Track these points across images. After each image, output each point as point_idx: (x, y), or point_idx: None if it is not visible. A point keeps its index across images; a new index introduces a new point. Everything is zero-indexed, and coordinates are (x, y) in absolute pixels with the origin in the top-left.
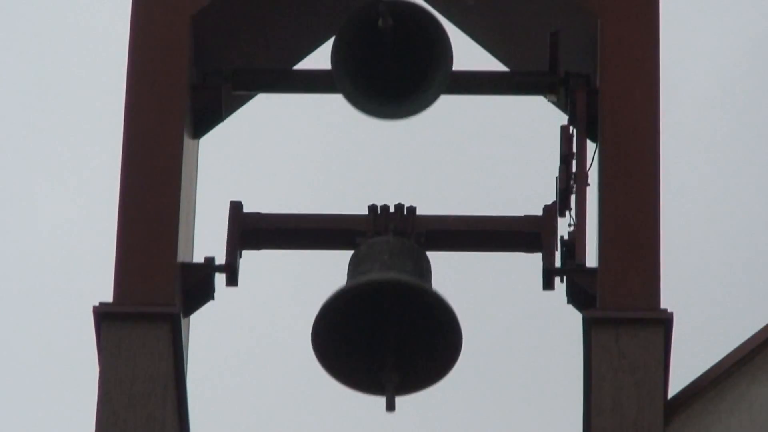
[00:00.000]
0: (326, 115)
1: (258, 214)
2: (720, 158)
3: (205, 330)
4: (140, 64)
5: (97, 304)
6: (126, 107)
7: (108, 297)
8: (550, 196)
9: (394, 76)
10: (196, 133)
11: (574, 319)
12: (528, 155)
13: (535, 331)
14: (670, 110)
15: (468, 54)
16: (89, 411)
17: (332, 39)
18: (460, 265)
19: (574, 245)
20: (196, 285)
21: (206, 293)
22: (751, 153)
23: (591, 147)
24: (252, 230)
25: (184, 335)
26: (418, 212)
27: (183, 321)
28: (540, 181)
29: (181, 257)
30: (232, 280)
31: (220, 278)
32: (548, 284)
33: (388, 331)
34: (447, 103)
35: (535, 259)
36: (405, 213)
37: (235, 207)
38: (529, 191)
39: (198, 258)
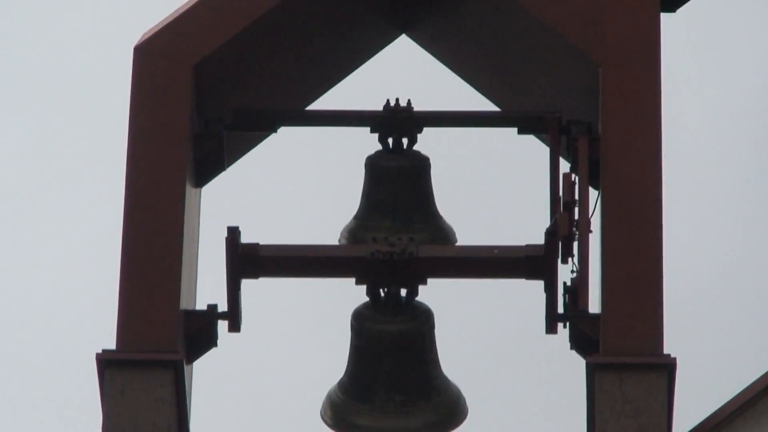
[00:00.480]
0: (327, 159)
1: (256, 244)
2: (722, 205)
3: (208, 377)
4: (141, 115)
5: (100, 351)
6: (128, 157)
7: (111, 344)
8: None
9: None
10: (198, 181)
11: (577, 364)
12: (520, 191)
13: (538, 377)
14: (672, 157)
15: (465, 98)
16: None
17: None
18: (463, 309)
19: (577, 291)
20: (199, 332)
21: (209, 340)
22: (754, 200)
23: (593, 194)
24: (250, 257)
25: (187, 382)
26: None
27: (186, 368)
28: (534, 217)
29: (184, 305)
30: (234, 326)
31: (222, 325)
32: (551, 328)
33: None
34: (440, 137)
35: (538, 305)
36: (408, 253)
37: (233, 232)
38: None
39: (201, 305)
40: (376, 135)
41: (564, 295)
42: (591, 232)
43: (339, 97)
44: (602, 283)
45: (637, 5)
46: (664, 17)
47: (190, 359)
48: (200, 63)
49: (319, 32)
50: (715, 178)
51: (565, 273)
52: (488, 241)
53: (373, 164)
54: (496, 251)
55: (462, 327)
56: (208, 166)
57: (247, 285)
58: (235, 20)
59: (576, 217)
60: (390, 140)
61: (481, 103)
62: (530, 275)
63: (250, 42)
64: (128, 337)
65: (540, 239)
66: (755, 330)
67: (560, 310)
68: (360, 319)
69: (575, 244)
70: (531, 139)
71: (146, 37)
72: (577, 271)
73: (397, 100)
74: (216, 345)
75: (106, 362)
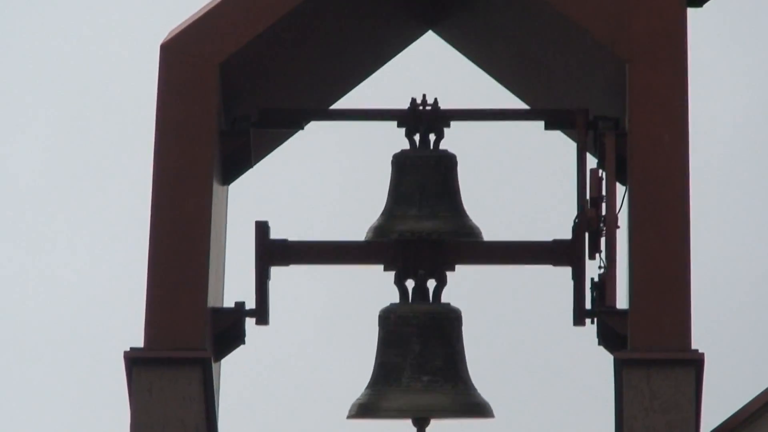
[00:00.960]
0: (353, 158)
1: (285, 240)
2: (750, 200)
3: (236, 374)
4: (168, 113)
5: (128, 349)
6: (155, 154)
7: (139, 342)
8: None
9: None
10: (226, 179)
11: (605, 360)
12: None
13: (566, 373)
14: (699, 152)
15: (491, 94)
16: None
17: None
18: (492, 305)
19: (604, 287)
20: (227, 329)
21: (237, 337)
22: None
23: (620, 189)
24: (279, 245)
25: (215, 379)
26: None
27: (214, 365)
28: (558, 211)
29: (212, 302)
30: (263, 319)
31: (250, 322)
32: (579, 320)
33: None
34: (467, 134)
35: (567, 300)
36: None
37: (261, 225)
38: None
39: (228, 302)
40: (403, 131)
41: (592, 290)
42: (618, 227)
43: (365, 95)
44: (630, 278)
45: (664, 1)
46: (691, 12)
47: (218, 357)
48: (226, 61)
49: (345, 29)
50: (742, 173)
51: (592, 269)
52: (514, 237)
53: (399, 159)
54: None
55: (488, 323)
56: (235, 164)
57: (275, 281)
58: (260, 18)
59: (603, 212)
60: (417, 137)
61: (508, 99)
62: (557, 262)
63: (276, 40)
64: (156, 335)
65: (567, 235)
66: None
67: (588, 306)
68: (387, 311)
69: (602, 240)
70: (558, 135)
71: (172, 35)
72: (604, 267)
73: (423, 97)
74: (244, 342)
75: (133, 360)
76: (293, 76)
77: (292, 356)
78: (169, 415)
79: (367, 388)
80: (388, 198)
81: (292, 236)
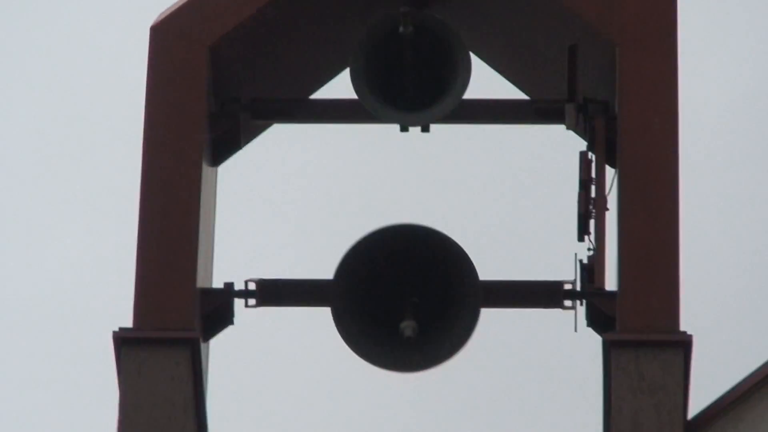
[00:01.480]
0: (343, 142)
1: None
2: (740, 182)
3: (224, 354)
4: (159, 94)
5: (117, 329)
6: (145, 136)
7: (128, 322)
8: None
9: (412, 83)
10: (215, 160)
11: (594, 342)
12: (547, 183)
13: (554, 354)
14: (689, 135)
15: (486, 83)
16: None
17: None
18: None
19: (593, 269)
20: (216, 310)
21: (226, 318)
22: None
23: (610, 172)
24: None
25: (203, 360)
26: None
27: (203, 345)
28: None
29: (201, 283)
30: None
31: (239, 303)
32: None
33: (407, 290)
34: (464, 132)
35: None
36: None
37: None
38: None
39: (217, 283)
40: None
41: (581, 272)
42: (608, 210)
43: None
44: (619, 260)
45: None
46: None
47: (207, 337)
48: (216, 43)
49: (336, 14)
50: (732, 156)
51: (582, 251)
52: (509, 224)
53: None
54: None
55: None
56: (225, 146)
57: (265, 263)
58: (250, 1)
59: (593, 195)
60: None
61: (498, 83)
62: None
63: (266, 23)
64: (145, 316)
65: (560, 222)
66: None
67: (577, 287)
68: None
69: (592, 222)
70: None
71: (163, 17)
72: (593, 249)
73: None
74: (233, 323)
75: (122, 340)
76: (283, 59)
77: (280, 337)
78: (158, 394)
79: None
80: None
81: (281, 219)
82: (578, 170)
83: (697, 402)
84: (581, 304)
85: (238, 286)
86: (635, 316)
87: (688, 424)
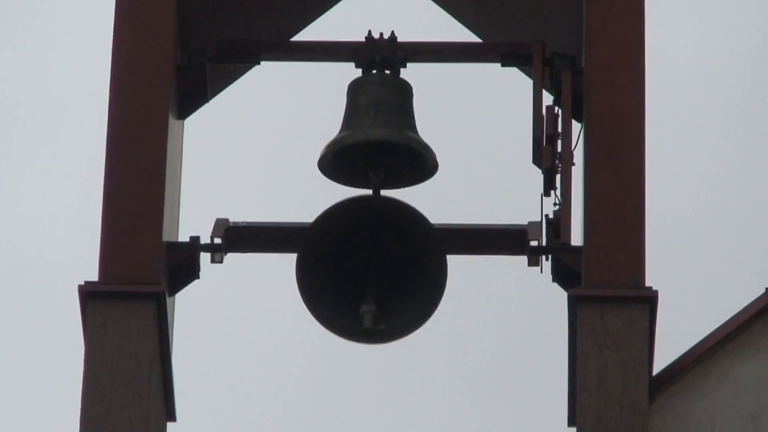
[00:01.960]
0: (311, 88)
1: None
2: (705, 138)
3: (190, 308)
4: (125, 46)
5: (82, 282)
6: (111, 88)
7: (93, 276)
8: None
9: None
10: (182, 113)
11: (559, 297)
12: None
13: (520, 310)
14: (655, 90)
15: (448, 30)
16: (75, 389)
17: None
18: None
19: (559, 224)
20: (182, 264)
21: (192, 272)
22: (736, 133)
23: (576, 127)
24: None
25: (169, 314)
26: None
27: (168, 300)
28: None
29: (167, 236)
30: (217, 258)
31: (205, 257)
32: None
33: (371, 264)
34: (421, 72)
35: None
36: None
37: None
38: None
39: (183, 237)
40: (360, 71)
41: (546, 227)
42: (574, 164)
43: (321, 30)
44: (585, 215)
45: None
46: None
47: (173, 291)
48: None
49: None
50: (697, 110)
51: (548, 206)
52: (472, 175)
53: (355, 83)
54: None
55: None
56: (192, 99)
57: (233, 217)
58: None
59: (559, 150)
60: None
61: (465, 36)
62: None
63: None
64: (111, 269)
65: (524, 172)
66: (738, 263)
67: (543, 243)
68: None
69: (558, 177)
70: (514, 72)
71: None
72: (559, 204)
73: (380, 34)
74: (198, 277)
75: (88, 294)
76: (250, 9)
77: (247, 291)
78: (123, 349)
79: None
80: (343, 119)
81: (246, 172)
82: (544, 124)
83: (663, 358)
84: (546, 259)
85: (204, 240)
86: (601, 271)
87: (653, 380)
